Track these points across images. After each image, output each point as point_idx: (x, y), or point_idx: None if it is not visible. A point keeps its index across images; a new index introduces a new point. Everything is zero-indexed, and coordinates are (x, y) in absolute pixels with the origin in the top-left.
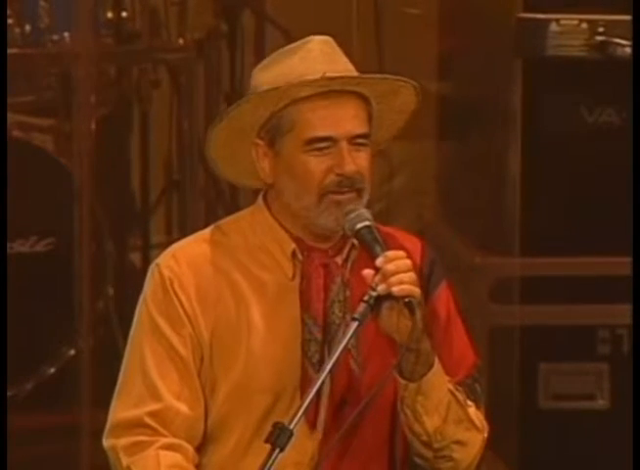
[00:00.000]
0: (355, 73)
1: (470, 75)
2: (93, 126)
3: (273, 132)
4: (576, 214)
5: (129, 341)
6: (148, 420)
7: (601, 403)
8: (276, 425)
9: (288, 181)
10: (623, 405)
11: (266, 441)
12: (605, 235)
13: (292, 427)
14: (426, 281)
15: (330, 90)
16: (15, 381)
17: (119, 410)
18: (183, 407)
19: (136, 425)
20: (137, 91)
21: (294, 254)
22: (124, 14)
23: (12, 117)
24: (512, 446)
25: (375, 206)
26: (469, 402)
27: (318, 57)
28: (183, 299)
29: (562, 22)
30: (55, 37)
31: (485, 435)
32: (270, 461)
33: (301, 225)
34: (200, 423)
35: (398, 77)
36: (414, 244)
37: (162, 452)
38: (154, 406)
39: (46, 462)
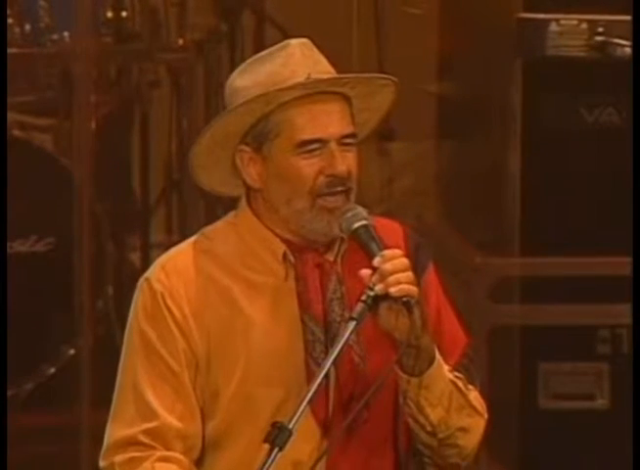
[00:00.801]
0: (338, 74)
1: (470, 75)
2: (93, 126)
3: (260, 138)
4: (576, 214)
5: (121, 358)
6: (142, 438)
7: (601, 403)
8: (274, 424)
9: (278, 186)
10: (623, 405)
11: (265, 440)
12: (605, 235)
13: (291, 426)
14: (413, 267)
15: (315, 92)
16: (15, 381)
17: (115, 431)
18: (177, 422)
19: (131, 443)
20: (137, 91)
21: (285, 256)
22: (124, 13)
23: (12, 117)
24: (512, 446)
25: (376, 208)
26: (470, 387)
27: (301, 60)
28: (175, 312)
29: (562, 22)
30: (55, 37)
31: (486, 416)
32: (269, 461)
33: (292, 230)
34: (196, 437)
35: (382, 75)
36: (395, 231)
37: (158, 465)
38: (148, 425)
39: (46, 462)
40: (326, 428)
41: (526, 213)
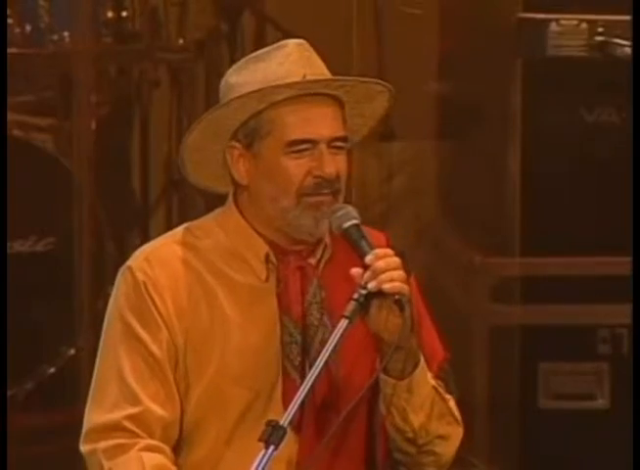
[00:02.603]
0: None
1: (470, 75)
2: (93, 126)
3: (251, 135)
4: (576, 214)
5: (101, 346)
6: (126, 423)
7: (601, 403)
8: (269, 423)
9: (265, 184)
10: (623, 405)
11: (260, 439)
12: (605, 235)
13: (285, 425)
14: None
15: (309, 93)
16: (15, 381)
17: (96, 415)
18: (159, 410)
19: (114, 429)
20: (137, 91)
21: (267, 257)
22: (124, 13)
23: (12, 117)
24: (511, 446)
25: (375, 207)
26: (447, 396)
27: (298, 60)
28: (158, 302)
29: (562, 22)
30: (55, 37)
31: (462, 426)
32: (265, 459)
33: (276, 228)
34: (175, 425)
35: (378, 81)
36: (379, 239)
37: (145, 454)
38: (131, 410)
39: (46, 461)
40: (298, 432)
41: (526, 213)
